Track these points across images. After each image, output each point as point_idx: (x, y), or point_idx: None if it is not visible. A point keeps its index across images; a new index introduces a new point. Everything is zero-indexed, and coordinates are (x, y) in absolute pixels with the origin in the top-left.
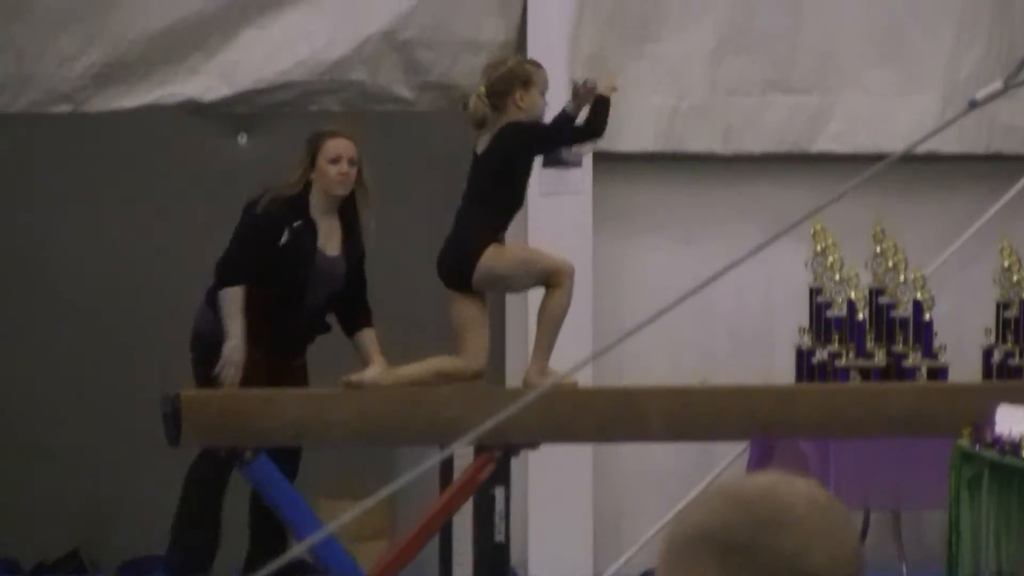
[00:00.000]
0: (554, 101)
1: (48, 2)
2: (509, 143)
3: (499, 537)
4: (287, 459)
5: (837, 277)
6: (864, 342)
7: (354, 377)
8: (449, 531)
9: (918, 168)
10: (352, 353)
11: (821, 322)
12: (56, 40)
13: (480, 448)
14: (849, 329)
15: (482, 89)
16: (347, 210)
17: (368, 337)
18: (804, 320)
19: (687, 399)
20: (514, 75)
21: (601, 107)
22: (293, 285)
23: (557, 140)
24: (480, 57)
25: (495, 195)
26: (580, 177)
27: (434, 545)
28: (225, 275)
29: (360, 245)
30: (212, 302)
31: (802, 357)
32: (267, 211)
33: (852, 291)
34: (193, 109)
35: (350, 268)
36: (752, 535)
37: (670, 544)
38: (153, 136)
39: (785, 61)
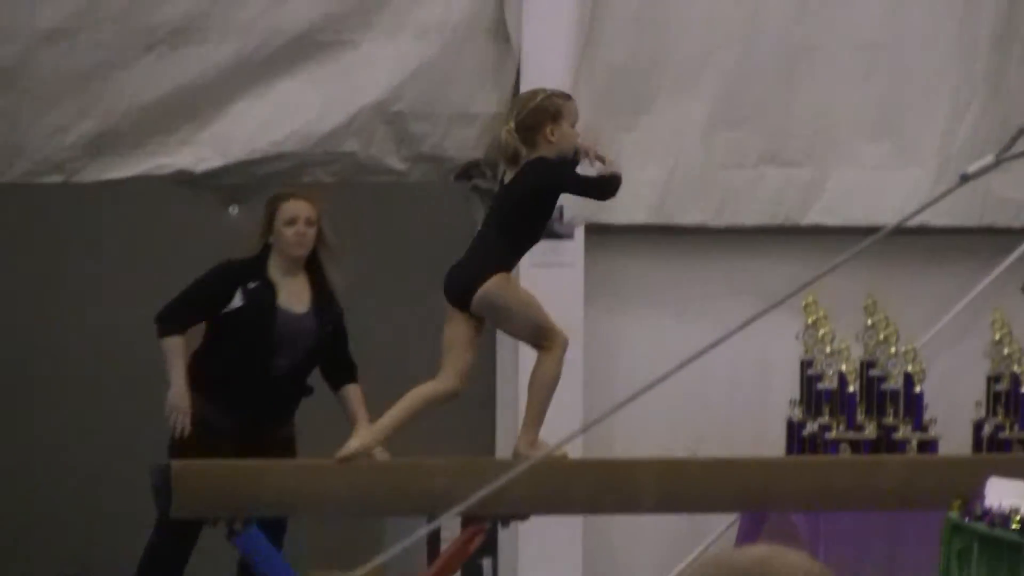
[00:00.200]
0: None
1: (42, 73)
2: (532, 178)
3: None
4: (273, 528)
5: (828, 349)
6: (855, 414)
7: (343, 453)
8: None
9: (910, 241)
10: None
11: (812, 394)
12: (49, 110)
13: (469, 519)
14: (840, 401)
15: (511, 124)
16: (316, 269)
17: (352, 393)
18: (796, 392)
19: (677, 471)
20: (543, 110)
21: (613, 177)
22: (256, 345)
23: (579, 184)
24: (472, 129)
25: (514, 226)
26: (572, 249)
27: None
28: (163, 324)
29: (334, 302)
30: None
31: (793, 429)
32: (221, 270)
33: (843, 364)
34: (185, 180)
35: (323, 324)
36: None
37: None
38: (144, 207)
39: (778, 134)
